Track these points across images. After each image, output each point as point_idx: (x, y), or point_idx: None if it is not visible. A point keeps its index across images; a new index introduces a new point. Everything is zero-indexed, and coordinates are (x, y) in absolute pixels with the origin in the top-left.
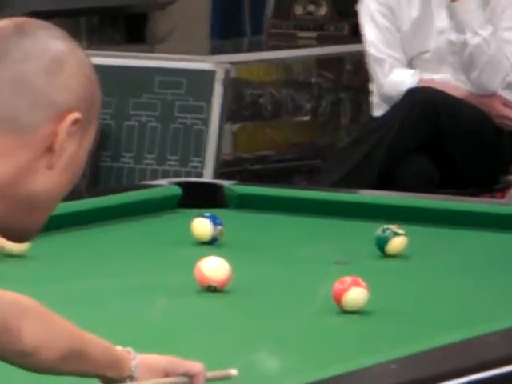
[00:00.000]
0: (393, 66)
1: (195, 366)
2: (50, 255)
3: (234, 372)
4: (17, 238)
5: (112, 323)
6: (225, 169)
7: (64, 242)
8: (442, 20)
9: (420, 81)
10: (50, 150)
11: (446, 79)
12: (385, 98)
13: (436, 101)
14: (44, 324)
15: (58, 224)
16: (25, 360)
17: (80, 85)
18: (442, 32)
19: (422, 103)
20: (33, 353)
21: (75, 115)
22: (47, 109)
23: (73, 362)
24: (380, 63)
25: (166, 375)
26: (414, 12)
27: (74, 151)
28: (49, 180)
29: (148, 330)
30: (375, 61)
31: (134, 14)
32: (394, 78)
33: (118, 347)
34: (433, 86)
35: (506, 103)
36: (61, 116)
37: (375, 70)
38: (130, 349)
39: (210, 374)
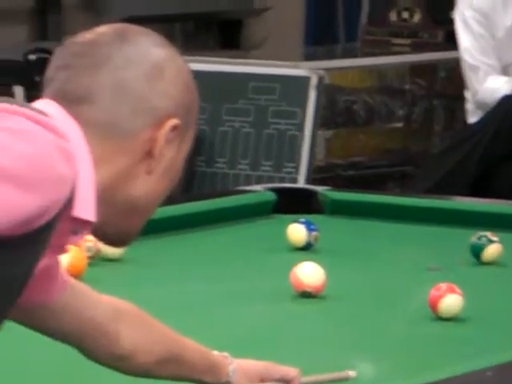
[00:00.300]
0: (487, 73)
1: (291, 371)
2: (146, 259)
3: (352, 373)
4: (116, 242)
5: (209, 328)
6: (318, 175)
7: (159, 246)
8: None
9: None
10: (149, 155)
11: None
12: (479, 104)
13: None
14: (141, 327)
15: (152, 228)
16: (121, 363)
17: (179, 91)
18: None
19: None
20: (130, 356)
21: (174, 121)
22: (147, 115)
23: (170, 366)
24: (474, 70)
25: (262, 380)
26: (509, 19)
27: (172, 157)
28: (148, 185)
29: (245, 334)
30: (470, 68)
31: (228, 20)
32: (488, 85)
33: (215, 352)
34: None
35: None
36: (160, 122)
37: (470, 77)
38: (226, 354)
39: (326, 376)
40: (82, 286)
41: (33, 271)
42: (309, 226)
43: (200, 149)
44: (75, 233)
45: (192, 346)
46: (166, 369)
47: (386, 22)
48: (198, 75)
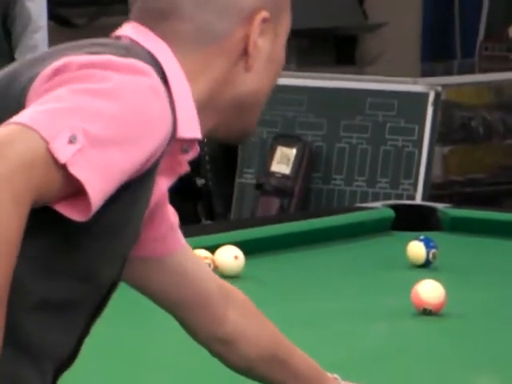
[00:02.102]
0: None
1: None
2: (264, 276)
3: None
4: (233, 140)
5: (330, 345)
6: (435, 191)
7: (276, 264)
8: None
9: None
10: (245, 53)
11: None
12: None
13: None
14: (250, 316)
15: (269, 246)
16: (222, 348)
17: None
18: None
19: None
20: (233, 342)
21: (262, 14)
22: (234, 14)
23: (273, 366)
24: None
25: None
26: None
27: (269, 48)
28: (250, 81)
29: (366, 352)
30: None
31: (343, 35)
32: None
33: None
34: None
35: None
36: (248, 18)
37: None
38: (336, 375)
39: None
40: (196, 255)
41: (149, 202)
42: (428, 244)
43: (317, 165)
44: (185, 151)
45: (300, 353)
46: (269, 368)
47: (504, 38)
48: (315, 91)
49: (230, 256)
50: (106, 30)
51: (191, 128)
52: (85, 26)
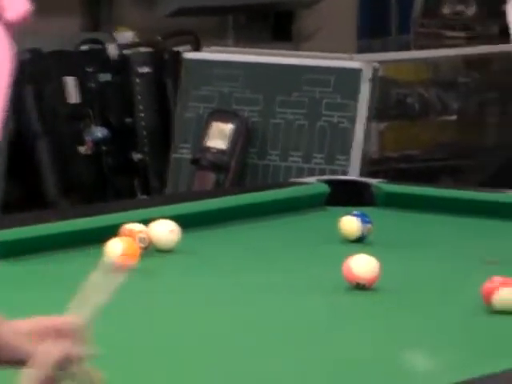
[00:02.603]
0: None
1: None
2: (198, 251)
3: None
4: None
5: (265, 319)
6: (370, 167)
7: (211, 238)
8: None
9: None
10: None
11: None
12: None
13: None
14: None
15: (204, 220)
16: None
17: None
18: None
19: None
20: None
21: None
22: None
23: None
24: None
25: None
26: None
27: None
28: None
29: (298, 326)
30: None
31: (280, 12)
32: None
33: None
34: None
35: None
36: None
37: None
38: None
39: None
40: None
41: None
42: (362, 219)
43: (252, 141)
44: None
45: None
46: None
47: (439, 15)
48: (252, 67)
49: (165, 230)
50: None
51: None
52: None
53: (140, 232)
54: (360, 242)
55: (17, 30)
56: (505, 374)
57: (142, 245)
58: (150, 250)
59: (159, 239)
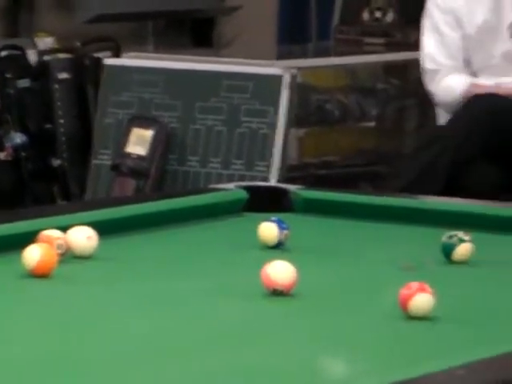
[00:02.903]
0: (447, 74)
1: None
2: (117, 257)
3: None
4: None
5: (180, 325)
6: (290, 173)
7: (130, 244)
8: None
9: (471, 84)
10: None
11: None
12: (442, 105)
13: (501, 108)
14: None
15: (123, 226)
16: None
17: None
18: None
19: (486, 111)
20: None
21: None
22: None
23: None
24: (433, 75)
25: None
26: (480, 17)
27: None
28: None
29: (215, 332)
30: (429, 73)
31: (200, 18)
32: (445, 84)
33: None
34: (485, 88)
35: None
36: None
37: (427, 81)
38: None
39: None
40: None
41: None
42: (280, 225)
43: (172, 147)
44: None
45: None
46: None
47: (358, 21)
48: (171, 73)
49: (83, 236)
50: None
51: None
52: None
53: (58, 238)
54: (278, 248)
55: None
56: (422, 379)
57: (60, 251)
58: (68, 256)
59: (77, 246)
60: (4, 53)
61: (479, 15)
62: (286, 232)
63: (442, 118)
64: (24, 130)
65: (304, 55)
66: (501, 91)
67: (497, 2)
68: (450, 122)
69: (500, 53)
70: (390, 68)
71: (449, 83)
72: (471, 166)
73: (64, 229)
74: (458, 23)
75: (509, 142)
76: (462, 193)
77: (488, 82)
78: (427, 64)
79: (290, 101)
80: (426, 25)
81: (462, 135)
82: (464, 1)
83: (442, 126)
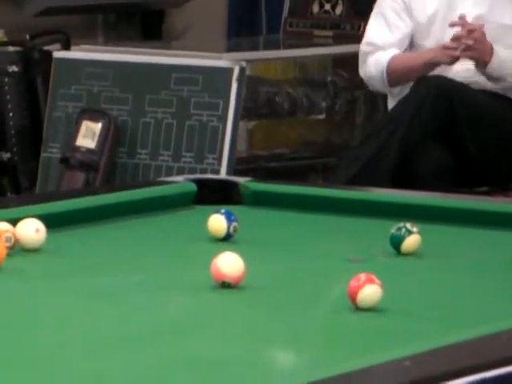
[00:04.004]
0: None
1: None
2: (66, 250)
3: None
4: None
5: (128, 318)
6: (240, 166)
7: (79, 237)
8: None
9: (394, 56)
10: None
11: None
12: (371, 81)
13: (449, 89)
14: None
15: (73, 219)
16: None
17: None
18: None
19: (435, 94)
20: None
21: None
22: None
23: None
24: (365, 57)
25: None
26: (433, 6)
27: None
28: None
29: (164, 324)
30: (362, 55)
31: (150, 10)
32: (372, 59)
33: None
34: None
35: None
36: None
37: (360, 64)
38: None
39: None
40: None
41: None
42: (229, 217)
43: (122, 140)
44: None
45: None
46: None
47: (308, 14)
48: (121, 66)
49: (31, 229)
50: None
51: None
52: None
53: (6, 231)
54: (227, 241)
55: None
56: (368, 370)
57: (8, 244)
58: (16, 249)
59: (25, 239)
60: None
61: (430, 5)
62: (234, 224)
63: (390, 104)
64: None
65: (253, 48)
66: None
67: None
68: (396, 108)
69: (449, 40)
70: (339, 60)
71: (377, 57)
72: (420, 149)
73: (13, 222)
74: (408, 11)
75: (458, 124)
76: (410, 178)
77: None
78: (363, 46)
79: (239, 93)
80: (374, 11)
81: (408, 123)
82: None
83: (388, 113)
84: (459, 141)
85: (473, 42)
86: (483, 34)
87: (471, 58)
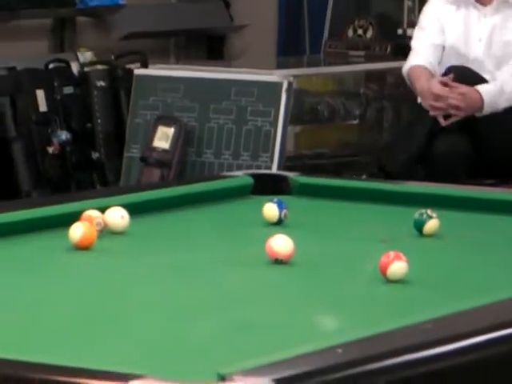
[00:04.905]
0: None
1: None
2: (146, 233)
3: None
4: None
5: (199, 288)
6: (288, 163)
7: (157, 222)
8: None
9: (413, 66)
10: None
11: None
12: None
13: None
14: None
15: (151, 207)
16: None
17: None
18: (480, 40)
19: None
20: None
21: None
22: None
23: None
24: (408, 57)
25: None
26: (458, 27)
27: None
28: None
29: (227, 294)
30: (408, 56)
31: (214, 35)
32: (407, 61)
33: None
34: (417, 73)
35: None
36: None
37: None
38: None
39: None
40: None
41: None
42: (280, 205)
43: (190, 142)
44: None
45: None
46: None
47: (344, 37)
48: (190, 81)
49: (117, 216)
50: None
51: None
52: None
53: (97, 218)
54: (279, 225)
55: None
56: (395, 333)
57: (98, 228)
58: (105, 233)
59: (113, 224)
60: (52, 65)
61: (457, 26)
62: (285, 211)
63: None
64: (68, 128)
65: (299, 65)
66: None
67: (466, 18)
68: None
69: (472, 58)
70: (370, 76)
71: (409, 60)
72: (443, 136)
73: (102, 210)
74: (441, 29)
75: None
76: (433, 160)
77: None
78: (414, 42)
79: (288, 103)
80: (418, 24)
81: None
82: (447, 13)
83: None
84: (479, 133)
85: (457, 104)
86: (467, 88)
87: (461, 116)
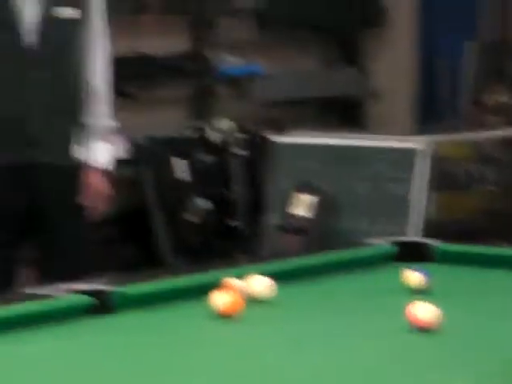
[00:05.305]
0: None
1: None
2: (288, 301)
3: None
4: None
5: (341, 359)
6: (428, 229)
7: (299, 290)
8: None
9: None
10: None
11: None
12: None
13: None
14: None
15: (295, 275)
16: None
17: None
18: None
19: None
20: None
21: None
22: None
23: None
24: None
25: None
26: None
27: None
28: None
29: (367, 364)
30: None
31: (349, 102)
32: None
33: None
34: None
35: None
36: None
37: None
38: None
39: None
40: None
41: None
42: (422, 273)
43: (329, 209)
44: None
45: None
46: None
47: (483, 104)
48: (328, 148)
49: (262, 284)
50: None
51: None
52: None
53: (240, 286)
54: (421, 293)
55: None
56: None
57: (243, 296)
58: (250, 300)
59: (256, 292)
60: (191, 134)
61: None
62: (427, 279)
63: None
64: (207, 196)
65: (436, 132)
66: None
67: None
68: None
69: None
70: (506, 141)
71: None
72: None
73: (243, 278)
74: None
75: None
76: None
77: None
78: None
79: (425, 169)
80: None
81: None
82: None
83: None
84: None
85: None
86: None
87: None
